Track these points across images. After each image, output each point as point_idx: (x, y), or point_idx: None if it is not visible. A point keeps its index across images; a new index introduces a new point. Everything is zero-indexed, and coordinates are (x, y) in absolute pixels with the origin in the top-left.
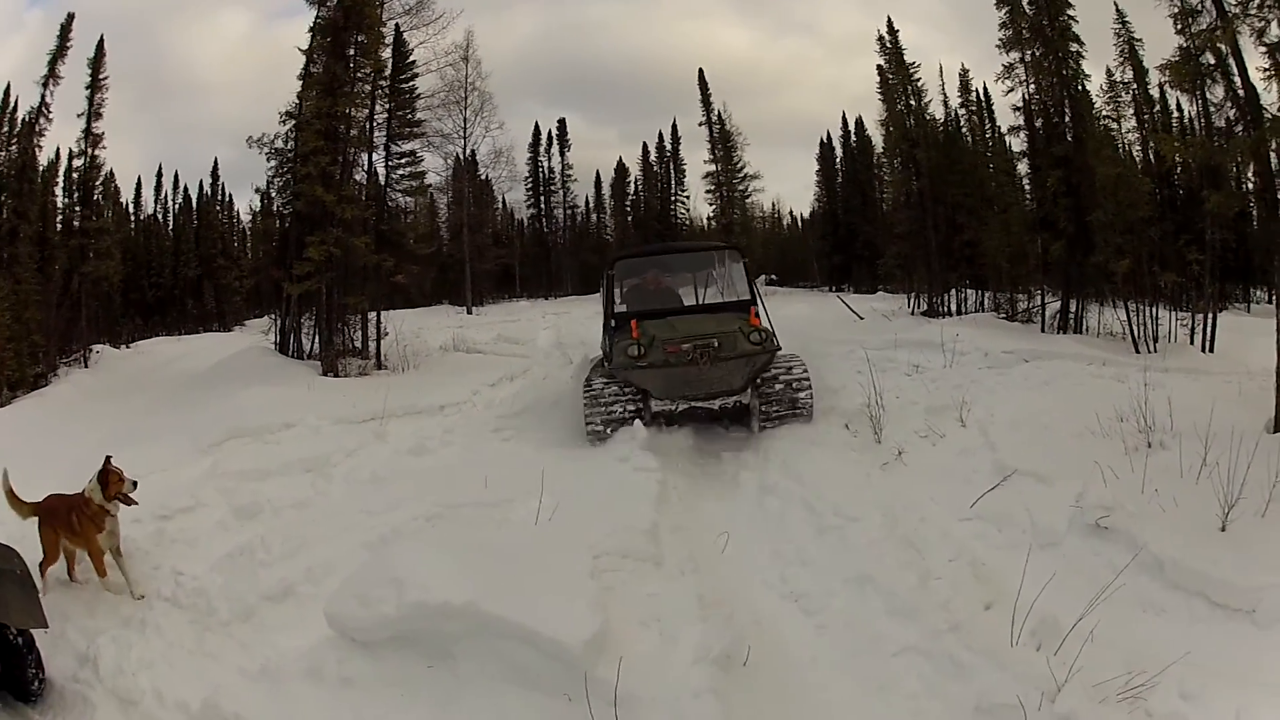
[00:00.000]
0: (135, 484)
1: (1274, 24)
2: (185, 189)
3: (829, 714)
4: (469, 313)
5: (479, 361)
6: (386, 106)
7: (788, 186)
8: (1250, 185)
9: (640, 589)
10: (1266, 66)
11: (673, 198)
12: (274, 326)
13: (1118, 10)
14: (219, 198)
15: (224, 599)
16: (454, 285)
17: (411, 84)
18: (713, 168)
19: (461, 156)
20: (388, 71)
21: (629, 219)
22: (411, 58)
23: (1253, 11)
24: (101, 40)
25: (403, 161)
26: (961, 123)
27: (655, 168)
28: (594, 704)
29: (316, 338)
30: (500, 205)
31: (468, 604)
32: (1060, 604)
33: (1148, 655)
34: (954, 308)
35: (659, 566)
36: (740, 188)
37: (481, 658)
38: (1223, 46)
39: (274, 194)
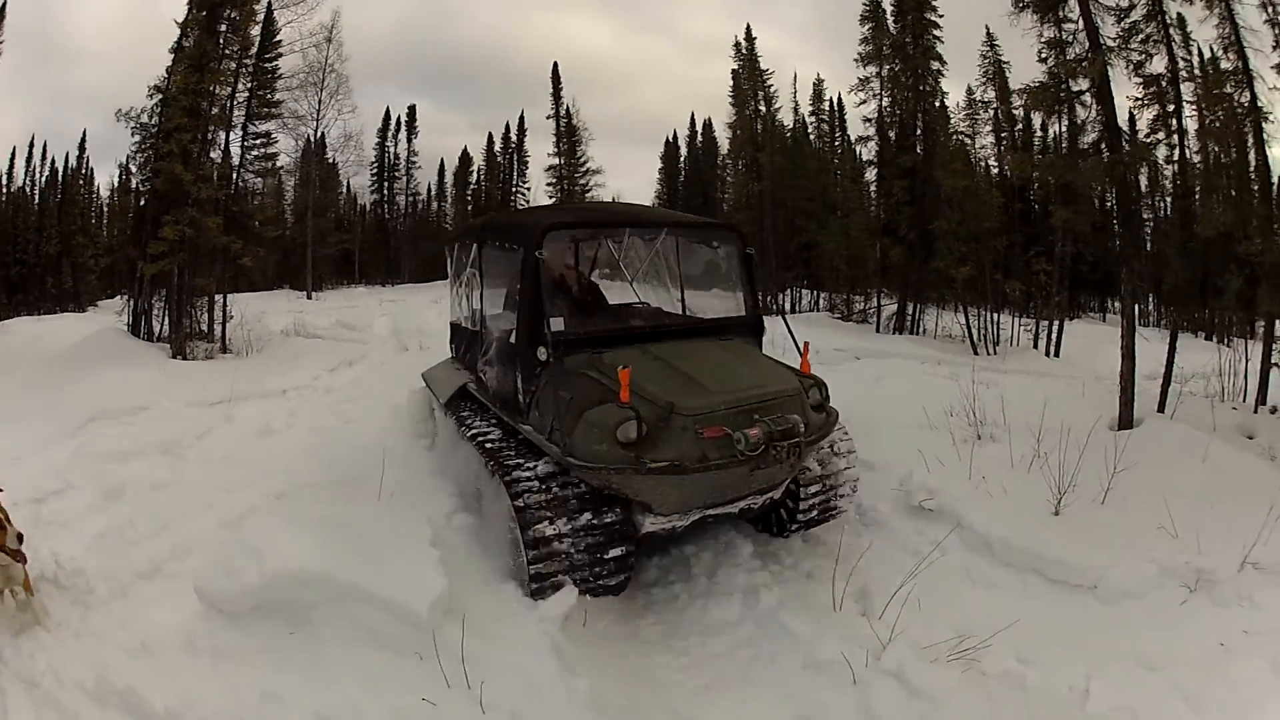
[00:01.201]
0: (21, 536)
1: (1157, 57)
2: (52, 161)
3: (665, 673)
4: (309, 298)
5: (319, 346)
6: (249, 85)
7: (629, 182)
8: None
9: (480, 556)
10: (1140, 96)
11: (514, 189)
12: (127, 308)
13: (988, 34)
14: (83, 171)
15: (101, 579)
16: (295, 269)
17: (275, 63)
18: (556, 160)
19: (312, 139)
20: (254, 49)
21: (469, 208)
22: (278, 36)
23: (1134, 45)
24: (5, 3)
25: (258, 142)
26: (810, 130)
27: (499, 158)
28: (444, 661)
29: (166, 320)
30: (345, 189)
31: (323, 572)
32: (883, 576)
33: (979, 623)
34: (789, 306)
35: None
36: (582, 181)
37: (338, 623)
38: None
39: (134, 170)
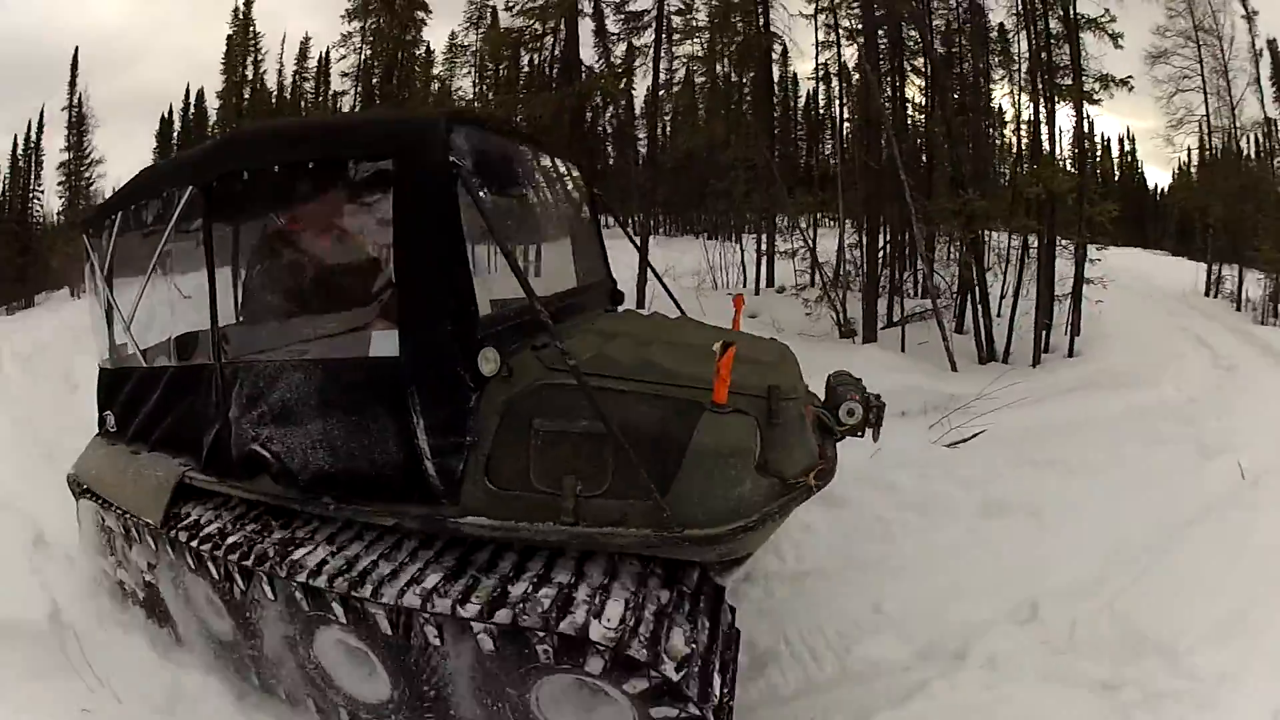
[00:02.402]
0: None
1: None
2: None
3: None
4: None
5: None
6: None
7: (129, 169)
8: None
9: (68, 569)
10: (617, 31)
11: (31, 194)
12: None
13: None
14: None
15: None
16: None
17: None
18: (66, 156)
19: None
20: None
21: None
22: None
23: None
24: None
25: None
26: (297, 88)
27: (20, 162)
28: (80, 672)
29: None
30: None
31: None
32: None
33: None
34: None
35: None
36: (87, 175)
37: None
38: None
39: None
